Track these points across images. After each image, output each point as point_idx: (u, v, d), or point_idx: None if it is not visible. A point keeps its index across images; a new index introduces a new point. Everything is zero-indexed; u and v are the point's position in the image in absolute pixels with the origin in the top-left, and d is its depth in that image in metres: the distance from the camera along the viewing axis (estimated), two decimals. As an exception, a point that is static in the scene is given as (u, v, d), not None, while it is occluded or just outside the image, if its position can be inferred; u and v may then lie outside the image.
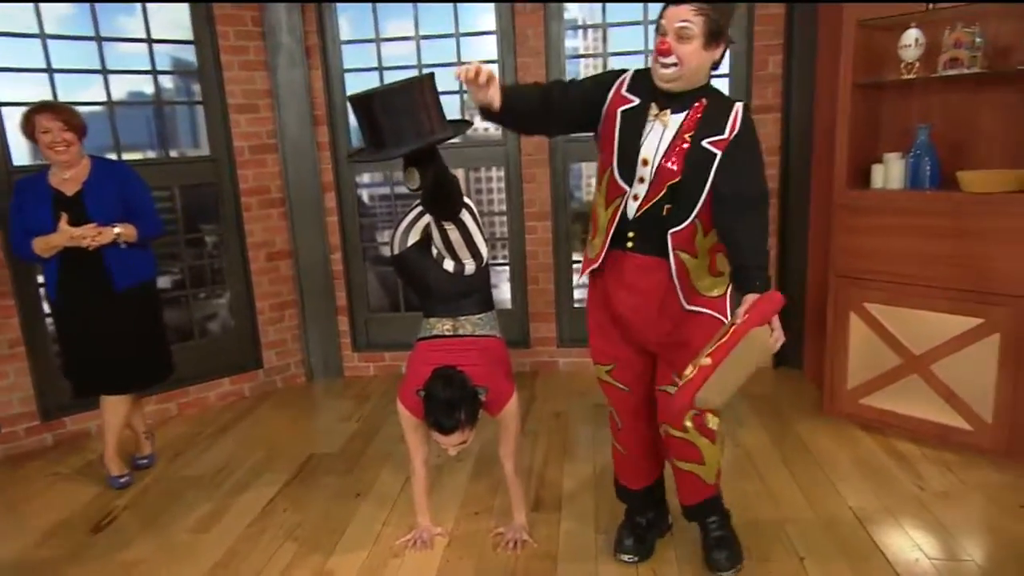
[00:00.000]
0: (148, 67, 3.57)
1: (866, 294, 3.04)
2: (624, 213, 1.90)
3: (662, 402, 2.07)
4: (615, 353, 2.10)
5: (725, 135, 1.81)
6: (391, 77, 3.94)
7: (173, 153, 3.86)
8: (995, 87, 2.79)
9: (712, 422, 1.99)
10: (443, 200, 2.15)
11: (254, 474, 3.03)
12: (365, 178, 4.22)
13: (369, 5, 3.87)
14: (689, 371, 1.68)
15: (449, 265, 2.30)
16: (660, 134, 1.84)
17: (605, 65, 3.92)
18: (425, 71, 3.86)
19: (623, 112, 1.87)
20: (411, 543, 2.38)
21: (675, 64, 1.76)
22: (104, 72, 3.42)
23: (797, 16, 3.54)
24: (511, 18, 3.77)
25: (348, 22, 3.96)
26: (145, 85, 3.65)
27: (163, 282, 4.33)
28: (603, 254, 1.96)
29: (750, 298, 1.74)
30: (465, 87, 1.80)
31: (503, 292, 4.23)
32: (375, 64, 3.93)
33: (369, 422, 3.56)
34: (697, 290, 1.93)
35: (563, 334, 4.16)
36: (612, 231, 1.92)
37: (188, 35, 3.64)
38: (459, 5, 3.83)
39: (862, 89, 3.01)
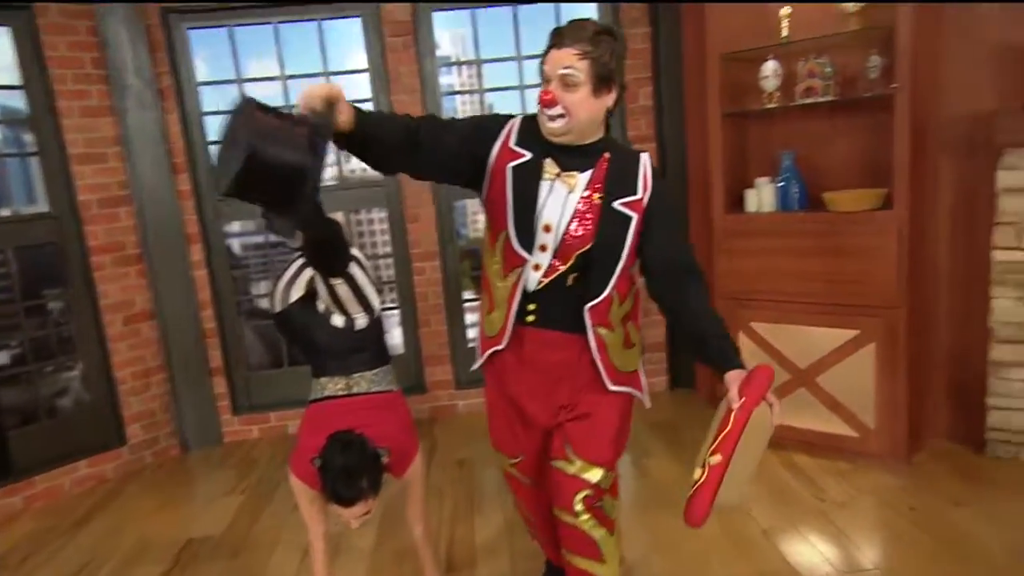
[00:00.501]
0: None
1: (752, 314, 3.15)
2: (524, 285, 1.68)
3: (555, 480, 1.78)
4: (521, 446, 1.89)
5: (639, 195, 1.63)
6: (257, 119, 3.70)
7: (4, 211, 3.40)
8: (847, 113, 3.00)
9: (610, 508, 1.78)
10: (329, 255, 1.98)
11: (122, 571, 2.65)
12: (235, 227, 3.93)
13: (227, 45, 3.62)
14: (698, 474, 1.49)
15: (338, 320, 2.12)
16: (564, 196, 1.62)
17: (482, 101, 3.89)
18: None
19: (514, 169, 1.62)
20: None
21: (562, 116, 1.55)
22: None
23: (663, 50, 3.68)
24: (382, 56, 3.66)
25: (204, 62, 3.70)
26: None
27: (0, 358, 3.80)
28: (507, 332, 1.72)
29: (735, 375, 1.54)
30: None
31: (394, 337, 4.04)
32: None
33: (256, 492, 3.24)
34: (616, 368, 1.73)
35: (460, 376, 4.03)
36: (514, 307, 1.69)
37: (15, 79, 3.23)
38: (328, 44, 3.68)
39: (730, 119, 3.15)
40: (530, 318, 1.71)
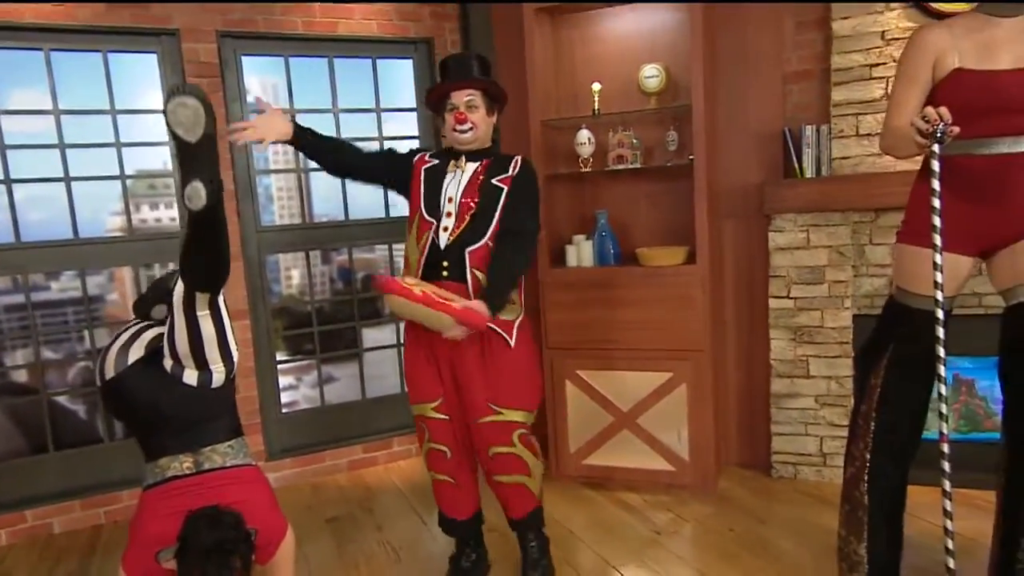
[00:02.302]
0: None
1: (578, 363, 3.34)
2: (436, 244, 2.28)
3: (483, 432, 2.31)
4: (439, 388, 2.36)
5: (509, 173, 2.33)
6: (14, 157, 3.12)
7: None
8: (651, 179, 3.39)
9: (534, 441, 2.38)
10: (218, 239, 1.75)
11: None
12: (-17, 285, 3.21)
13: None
14: (414, 286, 2.14)
15: (191, 377, 1.83)
16: (459, 178, 2.33)
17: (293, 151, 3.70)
18: (72, 151, 3.18)
19: (426, 169, 2.38)
20: None
21: (471, 129, 2.32)
22: None
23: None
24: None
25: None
26: None
27: None
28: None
29: (477, 303, 2.13)
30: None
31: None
32: (-5, 141, 3.07)
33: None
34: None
35: (272, 445, 3.67)
36: (423, 261, 2.28)
37: None
38: (119, 79, 3.25)
39: (549, 180, 3.38)
40: (445, 273, 2.27)
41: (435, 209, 2.31)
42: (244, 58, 3.48)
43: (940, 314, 1.87)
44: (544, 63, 3.34)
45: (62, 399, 3.49)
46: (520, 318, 2.37)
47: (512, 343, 2.31)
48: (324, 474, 3.76)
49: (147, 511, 1.78)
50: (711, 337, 3.15)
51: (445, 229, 2.27)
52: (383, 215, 3.84)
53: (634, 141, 3.27)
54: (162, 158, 3.41)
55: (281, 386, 3.73)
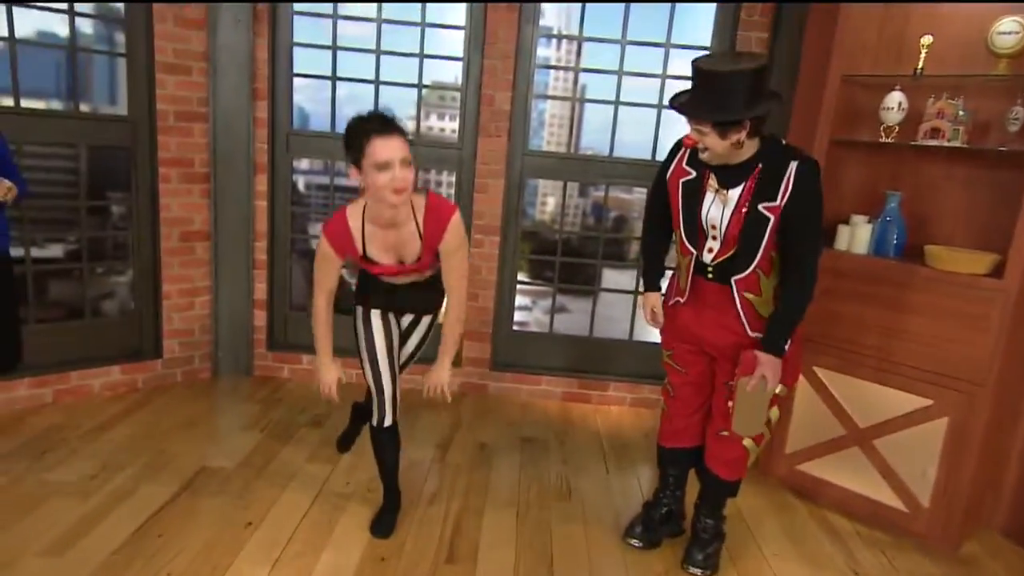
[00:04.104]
0: (64, 4, 3.12)
1: (817, 358, 2.92)
2: (700, 261, 2.22)
3: (722, 415, 2.31)
4: (675, 345, 2.39)
5: (779, 201, 2.06)
6: (344, 58, 3.60)
7: (84, 108, 3.40)
8: (971, 163, 2.72)
9: (774, 413, 2.31)
10: None
11: (131, 486, 2.64)
12: (304, 164, 3.86)
13: (330, -23, 3.52)
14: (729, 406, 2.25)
15: None
16: (722, 208, 2.13)
17: (576, 79, 3.71)
18: (384, 58, 3.57)
19: (683, 184, 2.21)
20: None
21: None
22: (8, 1, 2.96)
23: (778, 61, 3.42)
24: (483, 15, 3.51)
25: (305, -8, 3.61)
26: (59, 26, 3.19)
27: (55, 251, 3.85)
28: (687, 287, 2.27)
29: (752, 354, 2.13)
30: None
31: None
32: (329, 42, 3.58)
33: (275, 432, 3.21)
34: (761, 318, 2.18)
35: (497, 356, 3.92)
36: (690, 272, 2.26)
37: (117, -24, 3.21)
38: (429, -7, 3.54)
39: (838, 146, 2.90)
40: (710, 275, 2.23)
41: (694, 235, 2.19)
42: (544, -19, 3.50)
43: None
44: (866, 6, 2.81)
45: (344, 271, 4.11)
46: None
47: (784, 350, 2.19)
48: (538, 396, 3.91)
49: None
50: (1001, 371, 2.51)
51: (710, 251, 2.19)
52: (649, 157, 3.69)
53: (960, 113, 2.62)
54: (454, 72, 3.66)
55: (517, 305, 3.92)
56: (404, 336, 2.52)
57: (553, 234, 3.95)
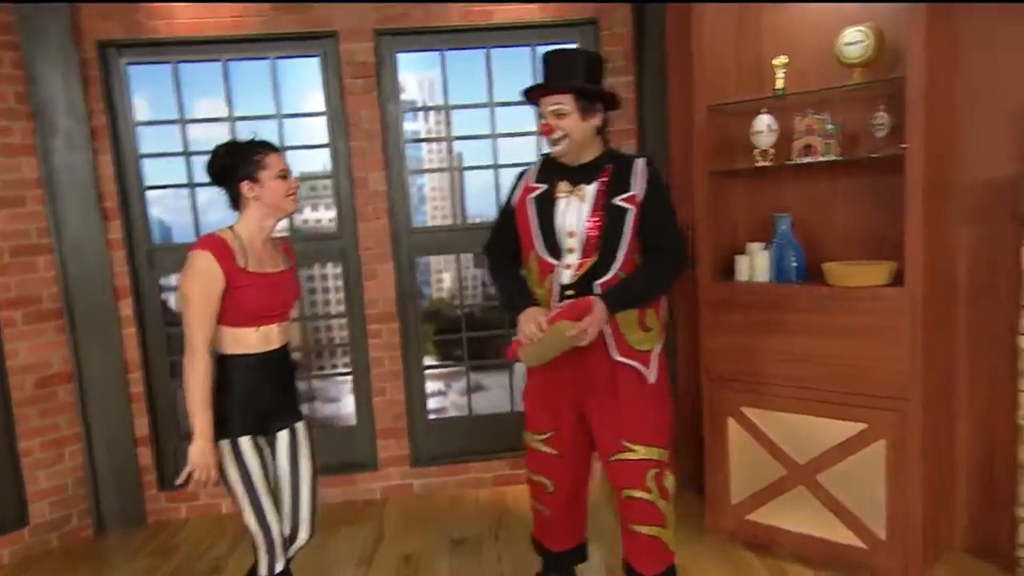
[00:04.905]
0: None
1: (743, 398, 2.75)
2: (561, 284, 2.09)
3: (616, 471, 2.14)
4: (554, 422, 2.20)
5: (633, 191, 2.06)
6: (200, 162, 3.35)
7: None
8: (850, 175, 2.67)
9: (669, 481, 2.17)
10: None
11: None
12: (172, 280, 3.54)
13: (170, 80, 3.30)
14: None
15: None
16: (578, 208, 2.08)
17: (450, 150, 3.58)
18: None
19: (533, 199, 2.15)
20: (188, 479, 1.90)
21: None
22: None
23: (647, 100, 3.38)
24: (340, 99, 3.35)
25: (146, 100, 3.39)
26: None
27: None
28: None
29: (588, 300, 1.99)
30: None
31: (346, 406, 3.64)
32: (179, 148, 3.34)
33: (168, 591, 2.79)
34: (628, 343, 2.08)
35: (417, 451, 3.60)
36: (551, 300, 2.10)
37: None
38: (283, 84, 3.37)
39: (718, 177, 2.81)
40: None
41: (554, 247, 2.09)
42: (400, 55, 3.40)
43: None
44: (719, 37, 2.77)
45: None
46: (659, 348, 2.17)
47: (651, 377, 2.13)
48: (468, 486, 3.60)
49: None
50: (925, 383, 2.38)
51: (568, 267, 2.08)
52: (539, 216, 3.54)
53: (828, 127, 2.57)
54: (322, 160, 3.47)
55: (429, 392, 3.64)
56: (294, 468, 2.11)
57: (454, 310, 3.72)
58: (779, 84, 2.63)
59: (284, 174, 2.00)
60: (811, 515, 2.63)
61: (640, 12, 3.34)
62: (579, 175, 2.08)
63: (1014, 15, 2.37)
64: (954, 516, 2.66)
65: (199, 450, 1.89)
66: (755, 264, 2.76)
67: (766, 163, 2.71)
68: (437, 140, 3.65)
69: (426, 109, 3.60)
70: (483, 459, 3.61)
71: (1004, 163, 2.41)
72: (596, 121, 2.06)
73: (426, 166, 3.78)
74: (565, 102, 1.99)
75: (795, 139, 2.64)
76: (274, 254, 2.05)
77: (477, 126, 3.46)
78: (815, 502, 2.62)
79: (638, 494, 2.12)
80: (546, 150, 2.16)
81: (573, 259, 2.06)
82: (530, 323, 2.01)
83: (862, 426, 2.48)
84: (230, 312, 1.93)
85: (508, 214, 2.23)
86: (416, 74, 3.45)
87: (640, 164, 2.08)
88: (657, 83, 3.33)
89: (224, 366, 1.97)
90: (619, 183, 2.05)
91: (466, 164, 3.63)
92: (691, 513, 3.05)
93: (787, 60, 2.63)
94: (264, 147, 2.00)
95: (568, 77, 2.01)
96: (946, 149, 2.48)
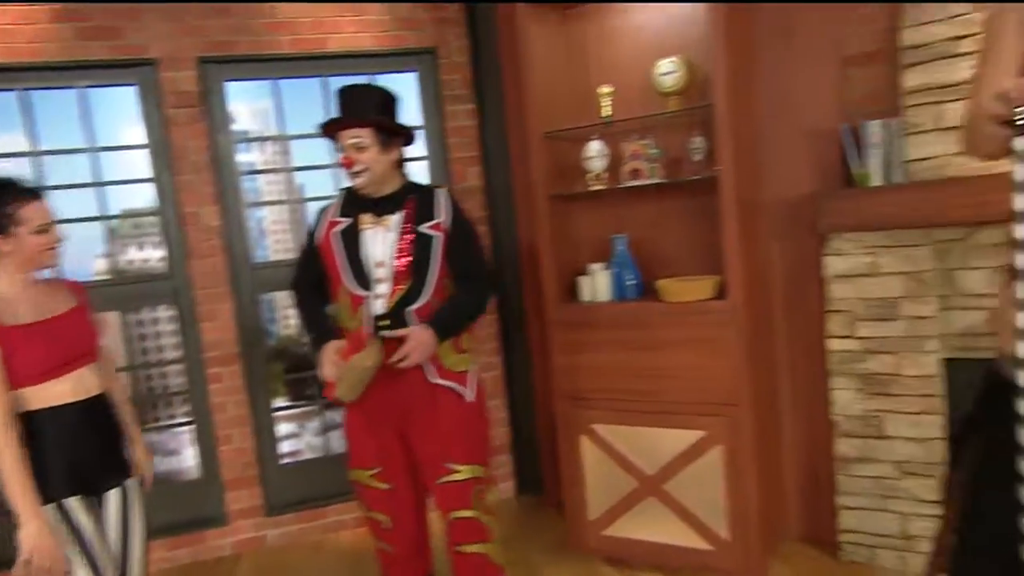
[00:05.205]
0: None
1: (593, 415, 2.82)
2: (372, 315, 2.06)
3: (443, 493, 2.14)
4: (381, 455, 2.17)
5: (439, 219, 2.12)
6: None
7: None
8: (676, 196, 2.83)
9: (491, 496, 2.21)
10: None
11: None
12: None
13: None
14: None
15: None
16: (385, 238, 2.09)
17: (290, 180, 3.44)
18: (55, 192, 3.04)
19: (338, 233, 2.14)
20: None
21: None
22: None
23: (488, 128, 3.42)
24: (163, 130, 3.13)
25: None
26: None
27: None
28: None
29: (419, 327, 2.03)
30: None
31: (186, 459, 3.36)
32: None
33: None
34: (445, 366, 2.11)
35: (271, 500, 3.39)
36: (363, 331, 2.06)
37: None
38: (96, 115, 3.10)
39: (558, 201, 2.89)
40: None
41: (363, 279, 2.08)
42: (229, 84, 3.23)
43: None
44: (549, 66, 2.86)
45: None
46: (475, 367, 2.23)
47: (469, 396, 2.17)
48: (328, 531, 3.43)
49: None
50: (752, 388, 2.55)
51: (379, 297, 2.07)
52: (388, 245, 3.48)
53: (652, 151, 2.72)
54: (146, 196, 3.22)
55: (281, 435, 3.45)
56: (125, 532, 1.90)
57: (304, 347, 3.56)
58: (606, 112, 2.75)
59: (44, 228, 1.79)
60: (662, 524, 2.73)
61: (476, 42, 3.39)
62: (382, 207, 2.11)
63: (798, 38, 2.61)
64: (786, 509, 2.85)
65: (33, 532, 1.66)
66: (597, 284, 2.85)
67: (600, 186, 2.82)
68: (274, 171, 3.49)
69: (261, 139, 3.44)
70: (343, 500, 3.45)
71: (803, 181, 2.65)
72: (395, 155, 2.10)
73: (265, 198, 3.60)
74: (365, 136, 2.01)
75: (623, 164, 2.77)
76: (52, 295, 1.85)
77: (319, 156, 3.36)
78: (665, 510, 2.72)
79: (465, 513, 2.14)
80: (346, 184, 2.17)
81: (384, 289, 2.06)
82: (325, 363, 2.06)
83: (701, 433, 2.61)
84: (21, 372, 1.72)
85: (312, 250, 2.20)
86: (249, 104, 3.30)
87: (442, 194, 2.15)
88: (496, 111, 3.39)
89: (32, 423, 1.74)
90: (423, 212, 2.10)
91: (308, 195, 3.50)
92: (554, 531, 3.09)
93: (613, 89, 2.75)
94: (21, 196, 1.77)
95: (365, 111, 2.04)
96: (755, 170, 2.70)
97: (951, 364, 2.40)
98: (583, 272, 2.91)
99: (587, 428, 2.85)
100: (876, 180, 2.46)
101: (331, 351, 2.07)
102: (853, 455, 2.59)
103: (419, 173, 3.50)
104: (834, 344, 2.58)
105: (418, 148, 3.55)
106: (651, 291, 2.78)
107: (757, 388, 2.61)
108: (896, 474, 2.52)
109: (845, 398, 2.58)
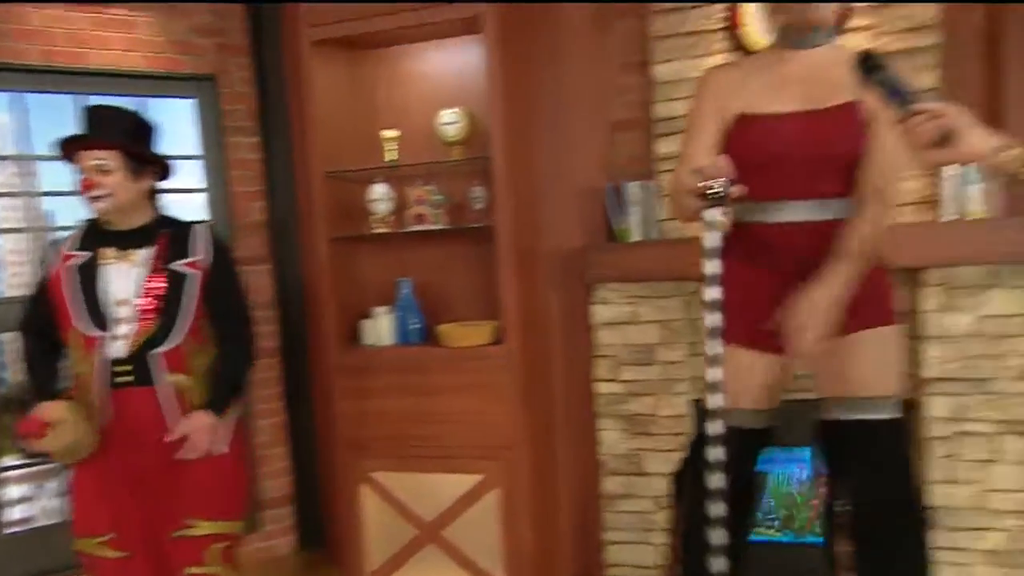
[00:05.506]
0: None
1: (374, 463, 2.75)
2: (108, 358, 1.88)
3: (176, 549, 1.95)
4: (116, 518, 1.93)
5: (197, 256, 1.97)
6: None
7: None
8: (459, 242, 2.88)
9: (239, 553, 2.07)
10: None
11: None
12: None
13: None
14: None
15: None
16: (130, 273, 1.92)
17: (32, 207, 3.02)
18: None
19: (74, 268, 1.93)
20: None
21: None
22: None
23: (273, 164, 3.28)
24: None
25: None
26: None
27: None
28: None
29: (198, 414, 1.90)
30: None
31: None
32: None
33: None
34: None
35: (-9, 579, 2.87)
36: (97, 377, 1.88)
37: None
38: None
39: (342, 242, 2.82)
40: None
41: (99, 317, 1.88)
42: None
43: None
44: (334, 106, 2.81)
45: None
46: (229, 418, 2.04)
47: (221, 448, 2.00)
48: (67, 610, 2.97)
49: None
50: (528, 431, 2.63)
51: (118, 338, 1.88)
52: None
53: (436, 197, 2.77)
54: None
55: (11, 499, 2.95)
56: None
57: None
58: (390, 155, 2.75)
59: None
60: (442, 571, 2.70)
61: (262, 72, 3.26)
62: (129, 240, 1.95)
63: (572, 102, 2.81)
64: (561, 548, 2.95)
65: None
66: (380, 328, 2.81)
67: (385, 229, 2.80)
68: (12, 195, 3.05)
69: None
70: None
71: (575, 235, 2.83)
72: (146, 185, 1.96)
73: (4, 225, 3.14)
74: (110, 158, 1.86)
75: (408, 208, 2.78)
76: None
77: (70, 180, 2.97)
78: (445, 557, 2.70)
79: (197, 570, 1.97)
80: (88, 214, 1.99)
81: (125, 329, 1.89)
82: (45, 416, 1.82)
83: (479, 477, 2.64)
84: None
85: (43, 288, 1.98)
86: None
87: (200, 229, 2.03)
88: (283, 145, 3.26)
89: None
90: (177, 248, 1.96)
91: (58, 224, 3.09)
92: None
93: (398, 133, 2.77)
94: None
95: (112, 133, 1.89)
96: (534, 221, 2.83)
97: (699, 405, 2.66)
98: (368, 315, 2.86)
99: (366, 477, 2.76)
100: (635, 236, 2.69)
101: (51, 408, 1.81)
102: (619, 492, 2.76)
103: (197, 206, 3.26)
104: (602, 387, 2.76)
105: (195, 179, 3.32)
106: (434, 336, 2.79)
107: (533, 431, 2.70)
108: (654, 508, 2.72)
109: (612, 438, 2.75)
